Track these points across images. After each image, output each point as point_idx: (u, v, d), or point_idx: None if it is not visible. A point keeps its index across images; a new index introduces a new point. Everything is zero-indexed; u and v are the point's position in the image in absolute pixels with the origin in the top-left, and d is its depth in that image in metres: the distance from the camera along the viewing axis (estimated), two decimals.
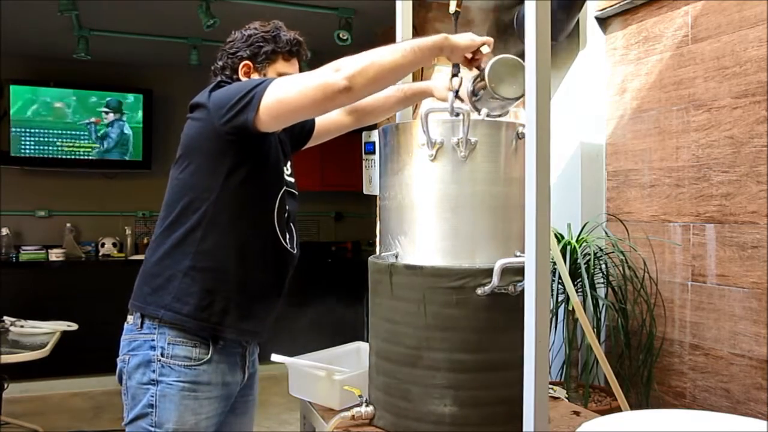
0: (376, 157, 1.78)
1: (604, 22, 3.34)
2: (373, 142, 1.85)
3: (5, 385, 3.31)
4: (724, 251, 2.64)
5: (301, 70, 1.73)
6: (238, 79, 1.66)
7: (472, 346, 1.47)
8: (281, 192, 1.66)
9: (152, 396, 1.51)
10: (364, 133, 1.91)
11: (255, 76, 1.64)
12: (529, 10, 1.28)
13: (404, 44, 1.44)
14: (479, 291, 1.45)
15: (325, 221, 6.21)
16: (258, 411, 4.41)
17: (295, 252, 1.73)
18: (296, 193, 1.78)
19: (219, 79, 1.64)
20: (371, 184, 1.88)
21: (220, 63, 1.72)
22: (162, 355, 1.52)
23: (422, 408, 1.49)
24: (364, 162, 1.93)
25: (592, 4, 3.29)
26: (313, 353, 2.00)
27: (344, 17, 3.86)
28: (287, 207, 1.69)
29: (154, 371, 1.51)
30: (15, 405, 4.10)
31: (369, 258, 1.67)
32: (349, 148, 5.52)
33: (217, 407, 1.60)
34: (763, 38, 2.48)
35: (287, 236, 1.69)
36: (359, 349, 2.13)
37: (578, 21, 3.29)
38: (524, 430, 1.29)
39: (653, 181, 3.00)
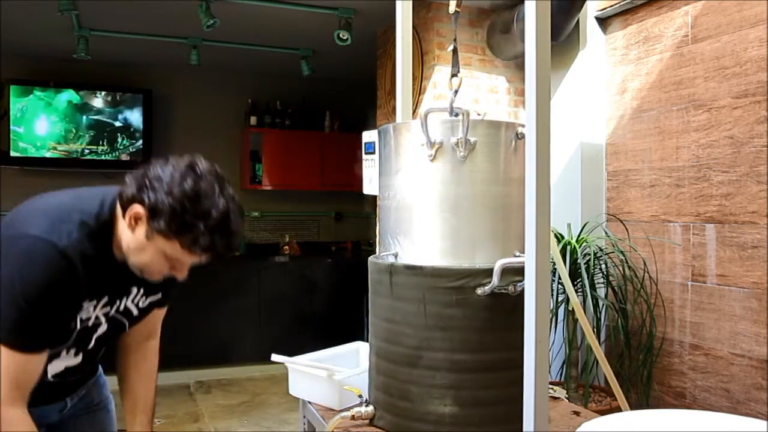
0: (376, 157, 1.78)
1: (604, 22, 3.34)
2: (373, 142, 1.84)
3: None
4: (724, 251, 2.64)
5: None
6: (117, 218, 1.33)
7: (472, 346, 1.47)
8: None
9: None
10: (364, 133, 1.91)
11: (139, 234, 1.29)
12: (529, 10, 1.28)
13: None
14: (479, 291, 1.45)
15: (325, 221, 6.20)
16: (258, 411, 4.41)
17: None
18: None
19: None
20: (371, 184, 1.87)
21: (132, 180, 1.31)
22: None
23: (422, 408, 1.49)
24: (364, 162, 1.92)
25: (592, 4, 3.29)
26: (313, 353, 2.00)
27: (344, 17, 3.86)
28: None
29: None
30: None
31: (369, 258, 1.67)
32: (349, 148, 5.54)
33: None
34: (763, 38, 2.48)
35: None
36: (359, 349, 2.13)
37: (578, 21, 3.29)
38: (524, 430, 1.29)
39: (653, 181, 3.00)
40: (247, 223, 5.87)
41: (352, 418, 1.59)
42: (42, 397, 1.39)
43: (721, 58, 2.66)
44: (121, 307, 1.47)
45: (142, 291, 1.50)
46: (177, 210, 1.24)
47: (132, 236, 1.30)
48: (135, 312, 1.51)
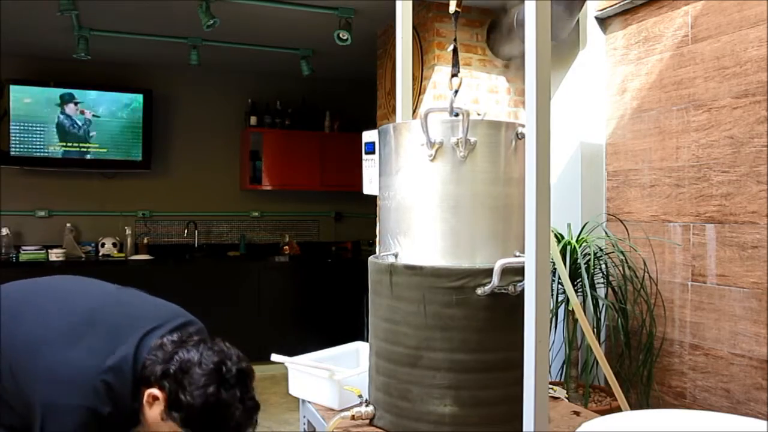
0: (376, 157, 1.78)
1: (604, 22, 3.34)
2: (373, 142, 1.84)
3: None
4: (724, 251, 2.64)
5: None
6: (138, 391, 1.37)
7: (472, 346, 1.47)
8: None
9: None
10: (364, 134, 1.91)
11: (155, 412, 1.35)
12: (529, 10, 1.28)
13: None
14: (479, 291, 1.45)
15: (325, 221, 6.20)
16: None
17: None
18: None
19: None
20: (371, 184, 1.87)
21: (160, 357, 1.35)
22: None
23: (422, 408, 1.49)
24: (364, 162, 1.92)
25: (592, 4, 3.29)
26: (313, 353, 2.00)
27: (344, 17, 3.86)
28: None
29: None
30: None
31: (369, 258, 1.67)
32: (349, 148, 5.54)
33: None
34: (763, 38, 2.48)
35: None
36: (359, 349, 2.13)
37: (578, 21, 3.29)
38: (524, 430, 1.29)
39: (653, 181, 3.00)
40: (247, 223, 5.88)
41: (352, 418, 1.59)
42: None
43: (721, 58, 2.66)
44: None
45: None
46: (194, 414, 1.30)
47: (149, 411, 1.35)
48: None
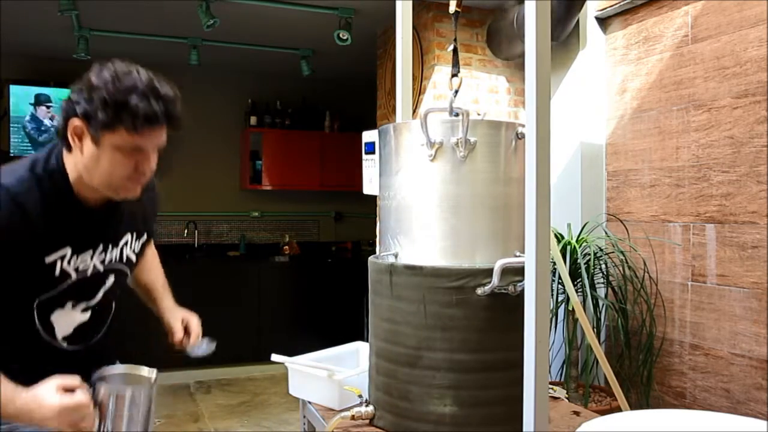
0: (376, 157, 1.78)
1: (604, 22, 3.33)
2: (373, 142, 1.84)
3: None
4: (724, 251, 2.64)
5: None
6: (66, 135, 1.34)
7: (472, 346, 1.47)
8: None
9: None
10: (364, 134, 1.91)
11: (88, 146, 1.31)
12: (529, 10, 1.28)
13: None
14: (479, 291, 1.45)
15: (325, 221, 6.20)
16: (258, 411, 4.41)
17: (75, 347, 1.48)
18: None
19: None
20: (371, 184, 1.88)
21: (61, 110, 1.36)
22: None
23: (422, 408, 1.49)
24: (364, 162, 1.92)
25: (592, 4, 3.29)
26: (313, 353, 2.00)
27: (344, 17, 3.86)
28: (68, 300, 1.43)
29: None
30: None
31: (369, 258, 1.67)
32: (349, 148, 5.54)
33: None
34: (763, 38, 2.48)
35: (64, 330, 1.45)
36: (359, 349, 2.13)
37: (578, 21, 3.29)
38: (524, 430, 1.29)
39: (653, 181, 3.00)
40: (247, 223, 5.88)
41: (352, 418, 1.59)
42: (61, 369, 1.36)
43: (721, 58, 2.66)
44: (123, 257, 1.52)
45: (134, 235, 1.56)
46: (105, 96, 1.29)
47: (83, 155, 1.33)
48: (134, 258, 1.58)
